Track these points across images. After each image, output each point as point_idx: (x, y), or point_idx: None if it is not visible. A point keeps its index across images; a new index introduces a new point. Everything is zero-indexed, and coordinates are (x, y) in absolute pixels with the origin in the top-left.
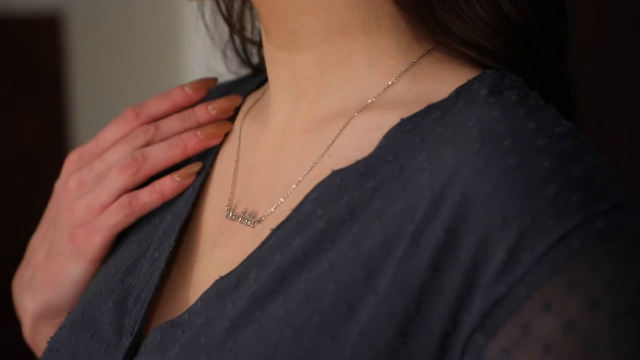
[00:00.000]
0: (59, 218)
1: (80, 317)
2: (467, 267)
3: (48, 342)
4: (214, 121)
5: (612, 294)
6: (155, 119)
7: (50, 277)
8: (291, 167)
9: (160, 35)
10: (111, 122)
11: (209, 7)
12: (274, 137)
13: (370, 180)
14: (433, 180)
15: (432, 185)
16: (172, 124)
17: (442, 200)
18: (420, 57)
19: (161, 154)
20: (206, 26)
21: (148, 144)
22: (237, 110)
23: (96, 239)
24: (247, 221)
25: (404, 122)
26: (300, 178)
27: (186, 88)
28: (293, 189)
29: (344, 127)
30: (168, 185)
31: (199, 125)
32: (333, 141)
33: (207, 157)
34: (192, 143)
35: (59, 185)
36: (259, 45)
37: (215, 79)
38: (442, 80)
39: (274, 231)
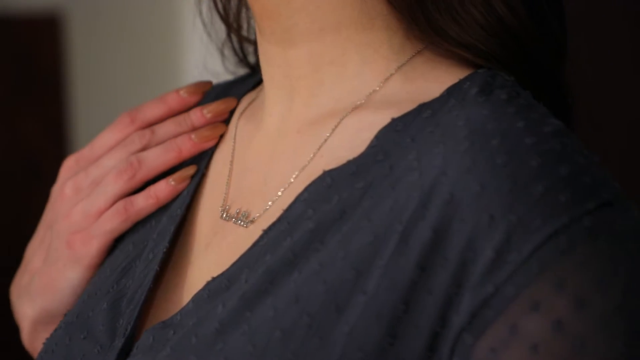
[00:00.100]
0: (56, 224)
1: (75, 318)
2: (455, 267)
3: (44, 343)
4: (209, 124)
5: (601, 293)
6: (151, 124)
7: (47, 283)
8: (285, 167)
9: (159, 36)
10: (107, 127)
11: (206, 4)
12: (269, 137)
13: (361, 180)
14: (422, 180)
15: (421, 185)
16: (168, 128)
17: (430, 199)
18: (413, 56)
19: (156, 159)
20: (203, 23)
21: (144, 149)
22: (232, 110)
23: (93, 246)
24: (241, 222)
25: (395, 122)
26: (293, 178)
27: (181, 92)
28: (285, 189)
29: (336, 126)
30: (163, 190)
31: (195, 129)
32: (325, 141)
33: (202, 159)
34: (187, 146)
35: (55, 190)
36: (256, 44)
37: (210, 83)
38: (434, 79)
39: (265, 232)
